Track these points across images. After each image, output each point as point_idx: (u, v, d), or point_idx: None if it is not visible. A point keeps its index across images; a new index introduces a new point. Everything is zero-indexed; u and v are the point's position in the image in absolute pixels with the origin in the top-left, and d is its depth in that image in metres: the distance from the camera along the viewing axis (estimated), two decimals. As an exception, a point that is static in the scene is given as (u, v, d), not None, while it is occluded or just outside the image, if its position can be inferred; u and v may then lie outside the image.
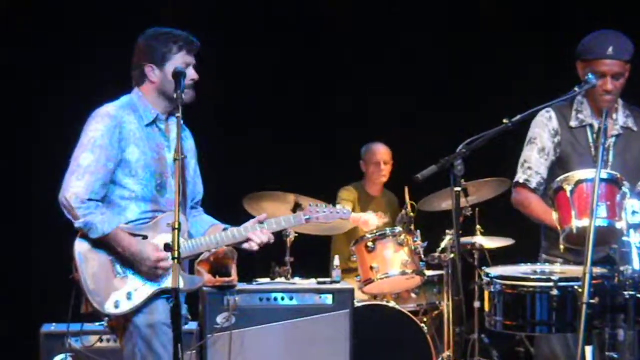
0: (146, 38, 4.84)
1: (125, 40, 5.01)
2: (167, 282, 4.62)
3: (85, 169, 4.62)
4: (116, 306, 4.61)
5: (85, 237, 4.62)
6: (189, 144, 4.99)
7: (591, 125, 5.20)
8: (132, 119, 4.74)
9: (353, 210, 7.48)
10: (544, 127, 5.23)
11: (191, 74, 4.80)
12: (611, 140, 5.17)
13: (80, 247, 4.62)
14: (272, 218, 4.96)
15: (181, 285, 4.55)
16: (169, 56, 4.77)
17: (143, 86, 4.83)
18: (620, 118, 5.24)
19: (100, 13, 7.57)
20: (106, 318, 4.74)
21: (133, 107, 4.78)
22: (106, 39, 7.23)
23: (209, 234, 4.87)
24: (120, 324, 4.70)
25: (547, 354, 5.12)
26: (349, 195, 7.77)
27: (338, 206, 5.24)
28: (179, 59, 4.77)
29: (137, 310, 4.63)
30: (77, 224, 4.59)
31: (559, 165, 5.19)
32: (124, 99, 4.83)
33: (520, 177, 5.27)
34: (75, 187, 4.59)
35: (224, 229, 4.88)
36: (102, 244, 4.62)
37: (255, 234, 4.83)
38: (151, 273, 4.65)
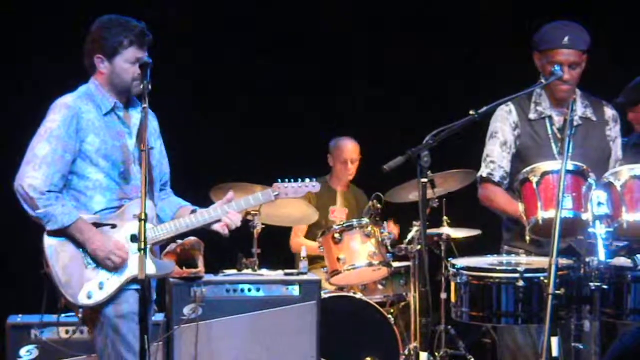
0: (99, 27, 4.77)
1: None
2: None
3: (42, 160, 4.59)
4: (89, 297, 4.60)
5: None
6: (153, 125, 4.95)
7: (550, 117, 5.21)
8: (90, 108, 4.71)
9: (321, 205, 7.49)
10: (505, 120, 5.23)
11: (136, 70, 4.73)
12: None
13: (50, 240, 4.61)
14: (241, 198, 4.95)
15: (153, 271, 4.62)
16: (119, 50, 4.72)
17: (96, 75, 4.79)
18: (579, 108, 5.23)
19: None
20: (80, 309, 4.70)
21: (90, 96, 4.75)
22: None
23: (178, 217, 4.86)
24: (92, 316, 4.69)
25: (511, 345, 5.12)
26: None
27: (306, 180, 5.21)
28: (129, 54, 4.72)
29: (108, 301, 4.63)
30: (36, 213, 4.56)
31: (519, 158, 5.19)
32: (82, 88, 4.80)
33: (483, 171, 5.27)
34: (32, 178, 4.57)
35: (193, 211, 4.88)
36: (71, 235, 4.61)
37: (227, 216, 4.82)
38: (106, 263, 4.62)
